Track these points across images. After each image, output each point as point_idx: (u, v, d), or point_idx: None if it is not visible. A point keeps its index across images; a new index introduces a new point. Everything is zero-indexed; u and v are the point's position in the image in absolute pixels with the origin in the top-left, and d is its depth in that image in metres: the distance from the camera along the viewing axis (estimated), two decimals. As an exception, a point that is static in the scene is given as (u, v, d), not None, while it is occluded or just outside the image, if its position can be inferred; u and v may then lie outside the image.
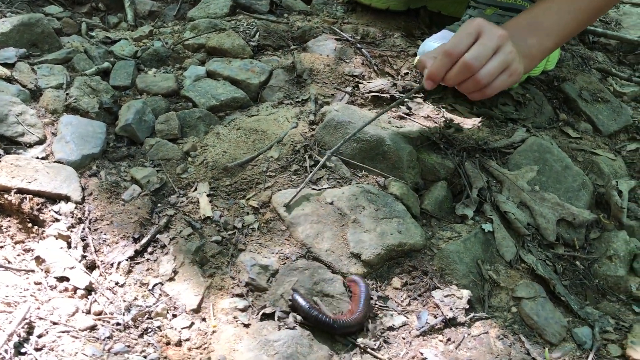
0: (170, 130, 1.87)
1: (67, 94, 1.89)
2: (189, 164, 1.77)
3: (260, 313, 1.41)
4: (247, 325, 1.38)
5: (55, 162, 1.68)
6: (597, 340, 1.54)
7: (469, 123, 2.04)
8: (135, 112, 1.85)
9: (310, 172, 1.76)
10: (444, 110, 2.07)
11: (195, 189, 1.70)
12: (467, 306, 1.54)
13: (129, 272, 1.48)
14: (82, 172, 1.70)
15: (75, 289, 1.40)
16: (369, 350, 1.39)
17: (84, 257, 1.49)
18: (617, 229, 1.82)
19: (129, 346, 1.31)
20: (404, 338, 1.45)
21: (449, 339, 1.47)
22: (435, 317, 1.51)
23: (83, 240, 1.52)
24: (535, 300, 1.58)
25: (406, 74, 2.24)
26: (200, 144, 1.83)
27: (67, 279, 1.41)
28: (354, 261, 1.58)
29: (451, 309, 1.53)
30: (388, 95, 2.07)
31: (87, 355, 1.26)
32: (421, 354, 1.41)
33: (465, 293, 1.56)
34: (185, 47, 2.27)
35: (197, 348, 1.33)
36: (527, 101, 2.25)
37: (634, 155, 2.17)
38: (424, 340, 1.46)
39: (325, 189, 1.71)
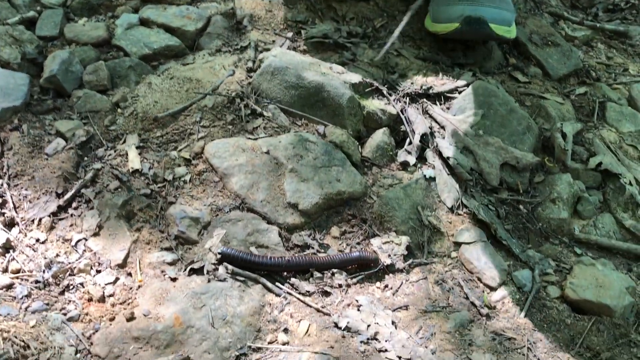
0: (99, 81, 1.76)
1: (-14, 45, 1.77)
2: (118, 115, 1.69)
3: (188, 269, 1.35)
4: (174, 279, 1.33)
5: (-29, 116, 1.58)
6: (536, 282, 1.52)
7: (415, 68, 1.97)
8: (60, 63, 1.75)
9: (247, 121, 1.69)
10: (390, 55, 2.00)
11: (124, 141, 1.61)
12: (406, 252, 1.51)
13: (51, 228, 1.41)
14: (3, 126, 1.60)
15: (-9, 248, 1.33)
16: (302, 298, 1.35)
17: (1, 214, 1.41)
18: (562, 172, 1.80)
19: (48, 304, 1.25)
20: (340, 285, 1.42)
21: (386, 286, 1.45)
22: (374, 264, 1.48)
23: (1, 197, 1.44)
24: (475, 244, 1.55)
25: (352, 19, 2.16)
26: (131, 95, 1.74)
27: (-18, 238, 1.34)
28: (291, 211, 1.53)
29: (389, 255, 1.50)
30: (331, 41, 1.99)
31: (1, 315, 1.20)
32: (356, 301, 1.38)
33: (404, 239, 1.53)
34: (119, -6, 2.14)
35: (120, 303, 1.28)
36: (476, 46, 2.19)
37: (583, 99, 2.14)
38: (361, 287, 1.43)
39: (261, 137, 1.64)
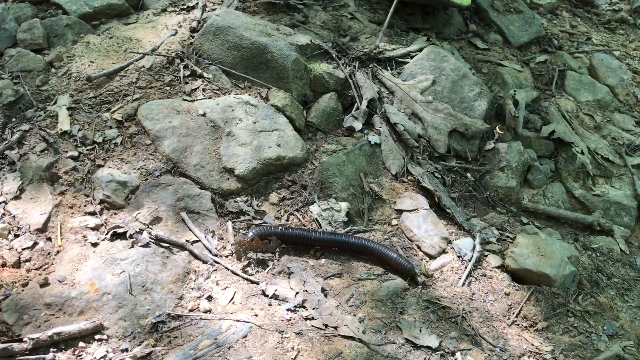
0: (34, 40, 1.68)
1: None
2: (51, 75, 1.61)
3: (111, 233, 1.29)
4: (95, 245, 1.28)
5: None
6: (477, 251, 1.48)
7: (368, 32, 1.91)
8: (-8, 20, 1.66)
9: (185, 83, 1.62)
10: (343, 18, 1.93)
11: (55, 102, 1.54)
12: (346, 219, 1.47)
13: (-30, 191, 1.35)
14: None
15: None
16: (229, 266, 1.30)
17: None
18: (513, 140, 1.76)
19: (-43, 269, 1.20)
20: (273, 254, 1.37)
21: (322, 254, 1.40)
22: (310, 232, 1.43)
23: None
24: (416, 212, 1.51)
25: (307, -19, 2.08)
26: (67, 54, 1.66)
27: None
28: (227, 176, 1.48)
29: (330, 222, 1.46)
30: (282, 2, 1.92)
31: None
32: (288, 268, 1.33)
33: (344, 206, 1.48)
34: (62, -50, 2.04)
35: (36, 269, 1.22)
36: (435, 11, 2.12)
37: (543, 67, 2.09)
38: (295, 255, 1.38)
39: (199, 99, 1.58)
